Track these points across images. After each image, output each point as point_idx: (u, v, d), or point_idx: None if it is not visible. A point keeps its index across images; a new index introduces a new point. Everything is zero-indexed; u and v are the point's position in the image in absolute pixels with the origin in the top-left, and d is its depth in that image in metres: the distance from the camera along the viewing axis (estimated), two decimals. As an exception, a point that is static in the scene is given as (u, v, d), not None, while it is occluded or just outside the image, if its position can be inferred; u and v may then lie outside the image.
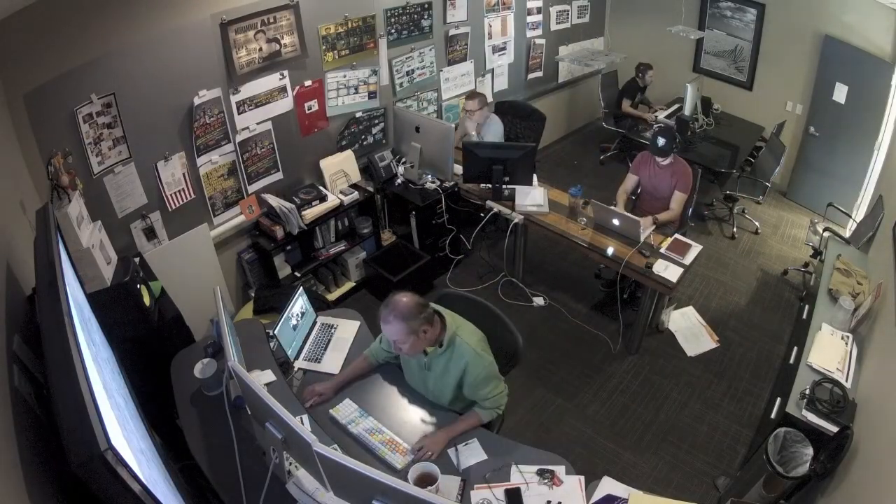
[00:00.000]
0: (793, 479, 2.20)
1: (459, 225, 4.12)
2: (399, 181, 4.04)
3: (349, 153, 3.91)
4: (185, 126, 2.99)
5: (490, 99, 4.92)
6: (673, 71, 5.70)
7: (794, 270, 4.30)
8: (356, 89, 3.81)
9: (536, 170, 4.01)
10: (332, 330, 2.55)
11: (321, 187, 3.74)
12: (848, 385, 2.50)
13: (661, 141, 3.47)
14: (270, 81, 3.30)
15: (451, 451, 2.03)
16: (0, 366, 1.47)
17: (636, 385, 3.40)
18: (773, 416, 2.58)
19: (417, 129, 3.94)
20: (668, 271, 3.14)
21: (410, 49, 4.11)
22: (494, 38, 4.81)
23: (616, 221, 3.38)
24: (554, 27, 5.40)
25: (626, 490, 1.92)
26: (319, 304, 3.17)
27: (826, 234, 3.83)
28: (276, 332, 2.35)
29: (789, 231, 4.88)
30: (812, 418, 2.34)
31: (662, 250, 3.27)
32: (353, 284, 4.06)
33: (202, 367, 2.17)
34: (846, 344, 2.73)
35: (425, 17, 4.09)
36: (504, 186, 3.75)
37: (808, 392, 2.41)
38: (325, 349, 2.45)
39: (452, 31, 4.38)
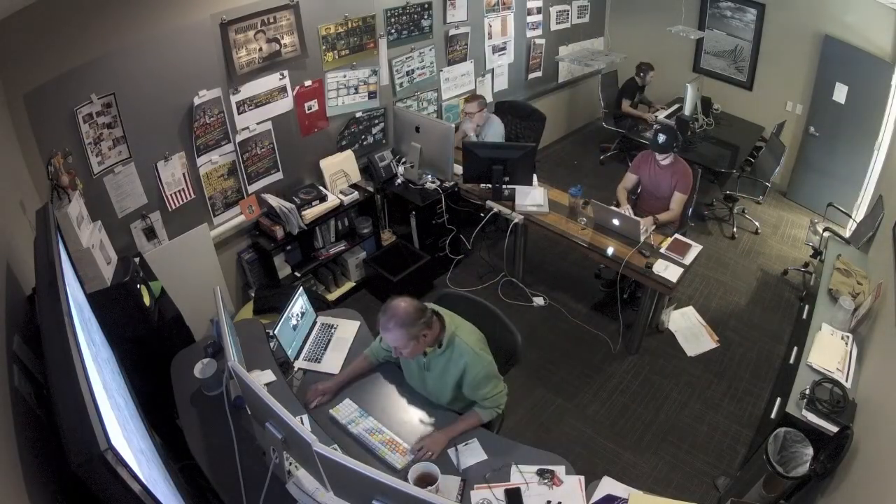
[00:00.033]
0: (793, 479, 2.20)
1: (459, 225, 4.12)
2: (399, 181, 4.04)
3: (349, 153, 3.91)
4: (185, 126, 2.99)
5: (490, 99, 4.92)
6: (673, 71, 5.70)
7: (794, 270, 4.30)
8: (356, 89, 3.81)
9: (536, 170, 4.01)
10: (332, 330, 2.55)
11: (321, 187, 3.74)
12: (848, 385, 2.50)
13: (661, 138, 3.47)
14: (270, 81, 3.30)
15: (451, 451, 2.03)
16: (0, 366, 1.47)
17: (636, 385, 3.40)
18: (773, 416, 2.58)
19: (417, 129, 3.94)
20: (668, 271, 3.14)
21: (410, 49, 4.11)
22: (494, 38, 4.81)
23: (616, 221, 3.38)
24: (554, 27, 5.40)
25: (626, 490, 1.92)
26: (319, 304, 3.17)
27: (826, 234, 3.83)
28: (276, 332, 2.35)
29: (789, 231, 4.88)
30: (812, 418, 2.34)
31: (662, 250, 3.27)
32: (353, 284, 4.06)
33: (202, 367, 2.17)
34: (846, 344, 2.73)
35: (425, 17, 4.09)
36: (504, 186, 3.75)
37: (808, 392, 2.41)
38: (325, 349, 2.45)
39: (452, 31, 4.38)
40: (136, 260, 2.58)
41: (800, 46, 4.84)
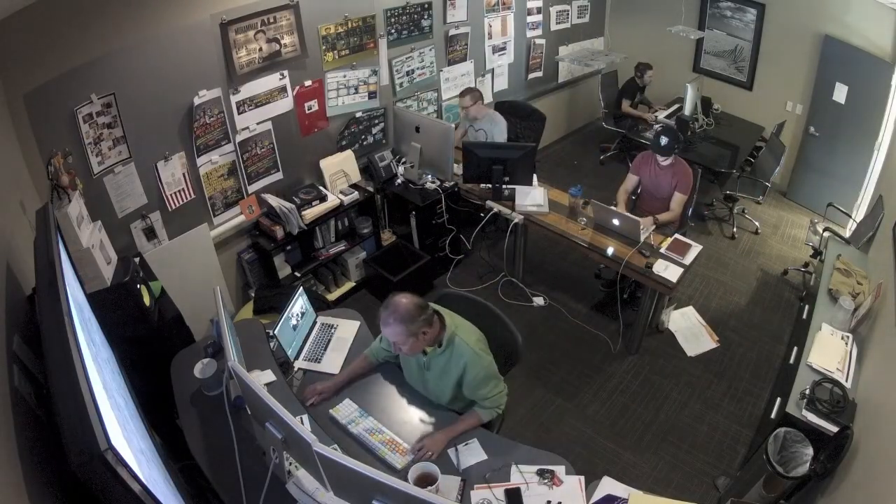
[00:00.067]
0: (793, 479, 2.20)
1: (459, 225, 4.12)
2: (399, 181, 4.04)
3: (349, 153, 3.91)
4: (185, 126, 2.99)
5: (490, 99, 4.92)
6: (673, 71, 5.70)
7: (794, 270, 4.30)
8: (356, 89, 3.81)
9: (536, 170, 4.01)
10: (332, 330, 2.55)
11: (321, 187, 3.74)
12: (848, 385, 2.50)
13: (663, 140, 3.47)
14: (270, 81, 3.30)
15: (451, 451, 2.03)
16: (0, 366, 1.47)
17: (636, 385, 3.40)
18: (773, 416, 2.58)
19: (417, 129, 3.94)
20: (668, 271, 3.14)
21: (410, 49, 4.11)
22: (494, 38, 4.81)
23: (616, 221, 3.38)
24: (554, 27, 5.40)
25: (626, 490, 1.92)
26: (319, 304, 3.17)
27: (826, 234, 3.83)
28: (276, 332, 2.35)
29: (789, 231, 4.88)
30: (812, 418, 2.34)
31: (662, 250, 3.27)
32: (353, 284, 4.06)
33: (202, 367, 2.17)
34: (846, 344, 2.73)
35: (425, 17, 4.09)
36: (504, 186, 3.75)
37: (808, 392, 2.41)
38: (325, 349, 2.45)
39: (452, 31, 4.38)
40: (136, 260, 2.58)
41: (800, 46, 4.84)
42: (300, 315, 2.50)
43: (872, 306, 2.76)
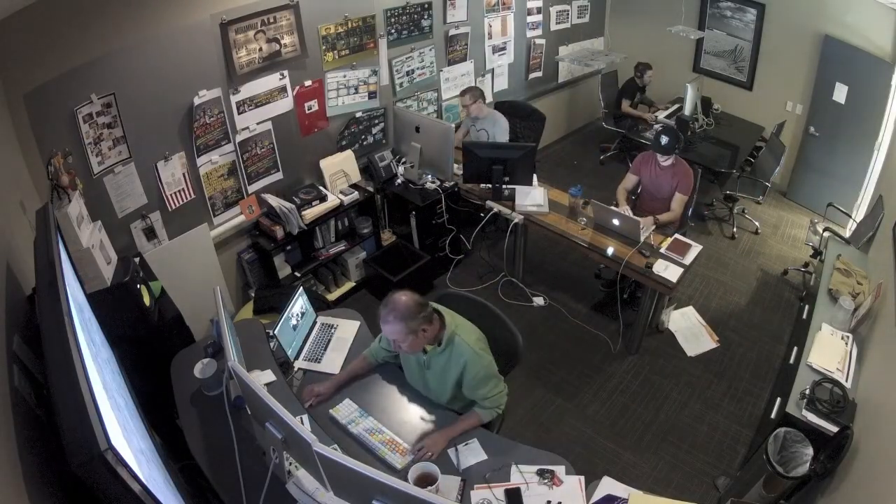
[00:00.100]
0: (793, 479, 2.20)
1: (459, 225, 4.12)
2: (399, 181, 4.04)
3: (349, 153, 3.91)
4: (185, 126, 2.99)
5: (490, 99, 4.92)
6: (673, 71, 5.70)
7: (794, 270, 4.30)
8: (356, 89, 3.81)
9: (536, 170, 4.01)
10: (332, 330, 2.55)
11: (321, 187, 3.74)
12: (848, 385, 2.50)
13: (664, 139, 3.47)
14: (270, 81, 3.30)
15: (451, 451, 2.03)
16: (0, 366, 1.47)
17: (636, 385, 3.39)
18: (773, 416, 2.58)
19: (417, 129, 3.94)
20: (668, 271, 3.14)
21: (410, 49, 4.11)
22: (494, 38, 4.81)
23: (616, 221, 3.38)
24: (554, 27, 5.40)
25: (626, 490, 1.91)
26: (319, 304, 3.17)
27: (826, 234, 3.83)
28: (276, 332, 2.35)
29: (789, 231, 4.88)
30: (812, 418, 2.34)
31: (662, 250, 3.27)
32: (353, 284, 4.06)
33: (202, 367, 2.17)
34: (846, 344, 2.73)
35: (425, 17, 4.09)
36: (504, 186, 3.75)
37: (808, 392, 2.41)
38: (325, 349, 2.45)
39: (452, 31, 4.38)
40: (136, 260, 2.58)
41: (800, 46, 4.84)
42: (300, 315, 2.50)
43: (872, 306, 2.76)
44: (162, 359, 2.36)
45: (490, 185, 3.79)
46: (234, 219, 3.44)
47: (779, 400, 2.58)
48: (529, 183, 3.78)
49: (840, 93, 4.55)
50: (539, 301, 3.99)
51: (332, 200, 3.67)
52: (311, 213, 3.54)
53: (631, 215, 3.43)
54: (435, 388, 2.18)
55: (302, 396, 2.21)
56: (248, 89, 3.20)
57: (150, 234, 3.01)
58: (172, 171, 3.00)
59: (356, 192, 3.79)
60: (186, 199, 3.12)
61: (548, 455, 2.02)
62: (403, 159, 4.05)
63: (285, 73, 3.34)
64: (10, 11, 2.16)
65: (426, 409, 2.20)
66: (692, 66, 5.76)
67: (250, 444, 2.00)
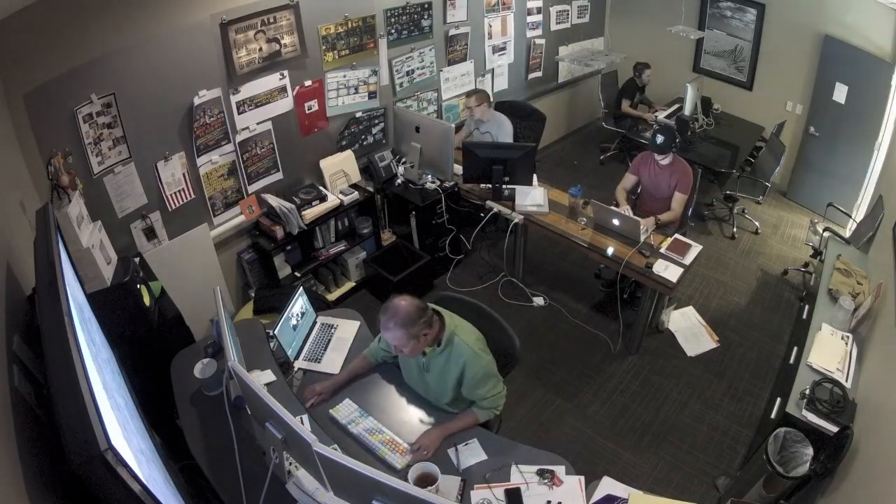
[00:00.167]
0: (793, 479, 2.20)
1: (459, 225, 4.12)
2: (399, 181, 4.04)
3: (349, 153, 3.91)
4: (185, 126, 2.99)
5: (490, 98, 4.92)
6: (673, 71, 5.70)
7: (794, 270, 4.30)
8: (356, 89, 3.81)
9: (536, 170, 4.01)
10: (332, 330, 2.55)
11: (321, 187, 3.74)
12: (848, 385, 2.50)
13: (660, 138, 3.47)
14: (270, 81, 3.30)
15: (451, 451, 2.03)
16: (0, 366, 1.47)
17: (636, 385, 3.39)
18: (773, 416, 2.58)
19: (417, 129, 3.94)
20: (668, 271, 3.14)
21: (410, 49, 4.11)
22: (494, 38, 4.81)
23: (616, 221, 3.38)
24: (554, 27, 5.40)
25: (626, 490, 1.92)
26: (319, 304, 3.16)
27: (826, 234, 3.83)
28: (276, 332, 2.35)
29: (789, 231, 4.88)
30: (812, 418, 2.34)
31: (662, 250, 3.27)
32: (353, 284, 4.06)
33: (202, 367, 2.17)
34: (846, 344, 2.73)
35: (425, 17, 4.09)
36: (504, 186, 3.75)
37: (808, 392, 2.41)
38: (325, 349, 2.45)
39: (452, 31, 4.38)
40: (136, 260, 2.58)
41: (800, 46, 4.84)
42: (300, 315, 2.50)
43: (872, 306, 2.76)
44: (162, 359, 2.36)
45: (490, 185, 3.79)
46: (234, 219, 3.44)
47: (779, 400, 2.58)
48: (529, 183, 3.78)
49: (840, 93, 4.55)
50: (539, 301, 3.99)
51: (332, 200, 3.67)
52: (311, 213, 3.54)
53: (631, 215, 3.43)
54: (435, 389, 2.18)
55: (303, 396, 2.20)
56: (248, 89, 3.20)
57: (150, 234, 3.01)
58: (172, 171, 3.00)
59: (356, 192, 3.79)
60: (186, 199, 3.12)
61: (548, 455, 2.02)
62: (403, 159, 4.05)
63: (285, 73, 3.34)
64: (10, 11, 2.16)
65: (426, 409, 2.21)
66: (692, 66, 5.76)
67: (250, 444, 2.00)
